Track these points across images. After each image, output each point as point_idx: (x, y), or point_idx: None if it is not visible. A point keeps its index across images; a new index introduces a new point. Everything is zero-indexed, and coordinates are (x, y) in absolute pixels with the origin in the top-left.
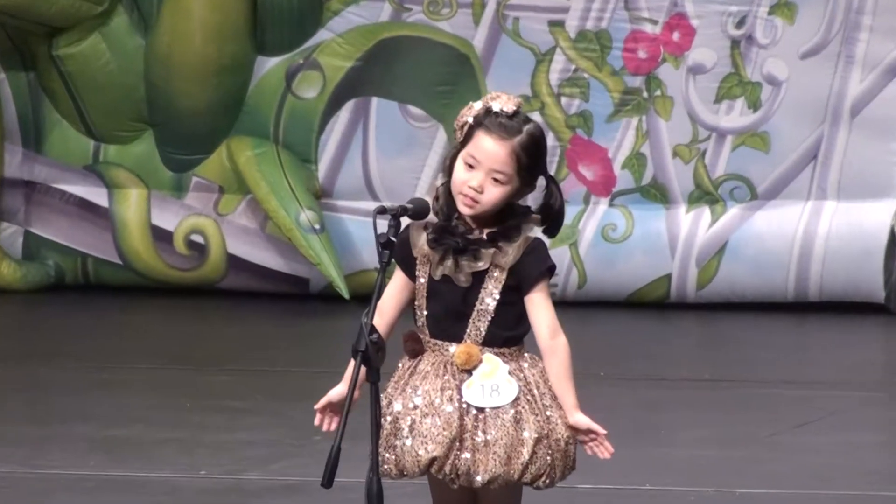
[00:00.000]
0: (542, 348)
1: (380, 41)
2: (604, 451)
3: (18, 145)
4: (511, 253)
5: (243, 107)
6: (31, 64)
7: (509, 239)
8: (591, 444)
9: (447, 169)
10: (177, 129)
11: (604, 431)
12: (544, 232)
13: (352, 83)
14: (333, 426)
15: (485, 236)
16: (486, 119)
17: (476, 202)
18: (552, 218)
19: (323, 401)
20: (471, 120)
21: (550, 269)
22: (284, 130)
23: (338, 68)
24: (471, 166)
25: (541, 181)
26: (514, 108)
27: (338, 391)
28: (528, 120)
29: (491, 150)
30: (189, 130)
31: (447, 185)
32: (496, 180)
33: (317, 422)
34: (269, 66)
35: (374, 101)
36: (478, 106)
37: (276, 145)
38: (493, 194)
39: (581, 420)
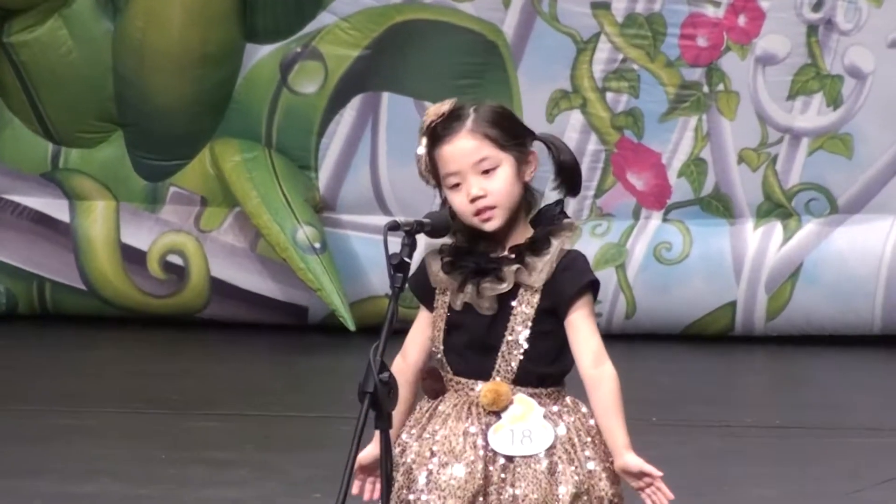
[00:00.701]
0: (585, 379)
1: (392, 26)
2: (661, 498)
3: None
4: (541, 269)
5: (230, 104)
6: None
7: (538, 252)
8: (646, 490)
9: (452, 218)
10: (151, 131)
11: (659, 474)
12: (567, 194)
13: (358, 76)
14: (368, 494)
15: (508, 252)
16: (435, 137)
17: (491, 208)
18: (569, 173)
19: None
20: (426, 157)
21: (593, 285)
22: (278, 132)
23: (342, 58)
24: (458, 185)
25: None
26: (448, 107)
27: (367, 453)
28: (473, 104)
29: (455, 150)
30: (166, 132)
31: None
32: (486, 171)
33: (356, 490)
34: (260, 55)
35: (385, 96)
36: (422, 147)
37: (269, 149)
38: (498, 183)
39: (633, 461)
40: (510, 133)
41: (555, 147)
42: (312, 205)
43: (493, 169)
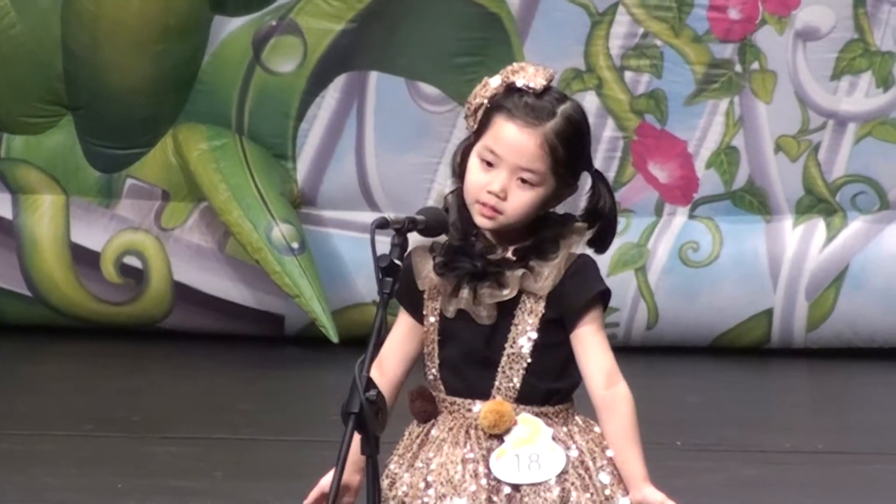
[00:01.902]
0: (597, 401)
1: None
2: None
3: None
4: (547, 275)
5: (195, 84)
6: None
7: (544, 256)
8: None
9: (458, 169)
10: (106, 114)
11: None
12: (590, 246)
13: (342, 53)
14: None
15: (511, 254)
16: (508, 100)
17: (498, 212)
18: (601, 227)
19: (313, 493)
20: (487, 101)
21: (603, 295)
22: (251, 116)
23: (323, 32)
24: (489, 164)
25: (584, 179)
26: (545, 82)
27: (331, 479)
28: (563, 98)
29: (515, 141)
30: (122, 116)
31: (460, 191)
32: (524, 181)
33: None
34: (230, 28)
35: (373, 76)
36: (495, 82)
37: (240, 136)
38: (522, 200)
39: (652, 496)
40: (572, 160)
41: (599, 190)
42: (290, 199)
43: (531, 185)
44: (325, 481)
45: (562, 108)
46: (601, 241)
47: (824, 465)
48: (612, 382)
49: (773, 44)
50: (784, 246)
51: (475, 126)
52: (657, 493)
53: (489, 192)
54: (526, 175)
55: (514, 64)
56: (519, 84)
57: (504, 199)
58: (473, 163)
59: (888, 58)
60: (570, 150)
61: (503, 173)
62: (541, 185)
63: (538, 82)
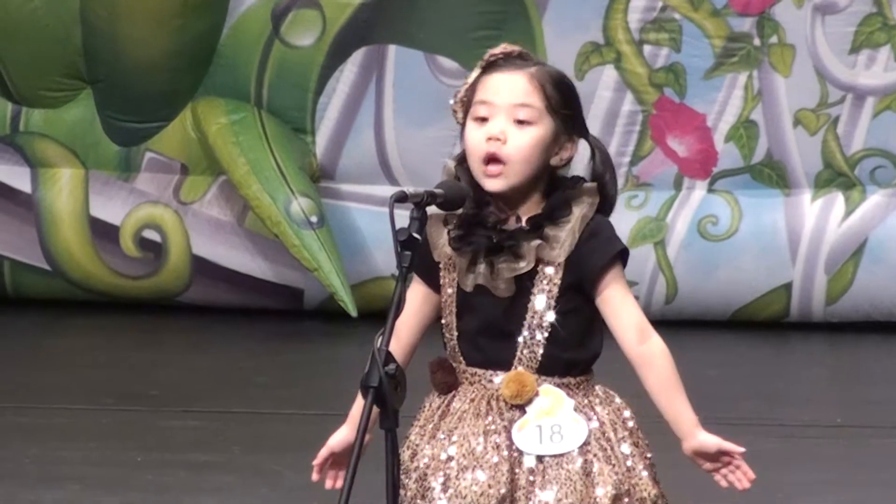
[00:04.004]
0: (633, 358)
1: None
2: (741, 478)
3: None
4: (563, 241)
5: (215, 58)
6: None
7: (557, 222)
8: (723, 471)
9: (462, 156)
10: (125, 88)
11: (741, 450)
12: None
13: (361, 26)
14: (340, 483)
15: (525, 223)
16: (489, 67)
17: (502, 162)
18: (603, 192)
19: (323, 452)
20: (471, 80)
21: (622, 254)
22: (270, 90)
23: (342, 6)
24: (483, 119)
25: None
26: (519, 50)
27: (341, 437)
28: (545, 63)
29: (504, 82)
30: (141, 90)
31: (465, 168)
32: (521, 122)
33: (315, 476)
34: (249, 2)
35: (392, 50)
36: (474, 73)
37: (259, 110)
38: (522, 141)
39: (710, 440)
40: (566, 103)
41: (599, 157)
42: (308, 173)
43: (529, 124)
44: (334, 441)
45: (542, 64)
46: (604, 206)
47: (843, 438)
48: (646, 337)
49: (791, 17)
50: (803, 220)
51: (461, 117)
52: (712, 437)
53: (490, 138)
54: (522, 113)
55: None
56: (494, 52)
57: (504, 141)
58: (468, 129)
59: None
60: (559, 92)
61: (499, 117)
62: (538, 123)
63: (514, 49)
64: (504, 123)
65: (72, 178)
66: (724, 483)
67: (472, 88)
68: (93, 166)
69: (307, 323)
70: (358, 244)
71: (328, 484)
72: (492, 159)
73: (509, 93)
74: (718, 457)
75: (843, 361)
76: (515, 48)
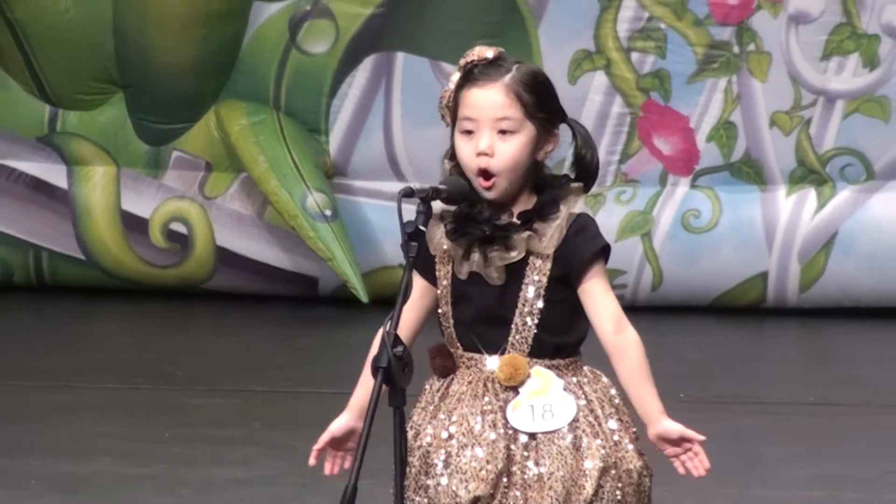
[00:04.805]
0: (608, 347)
1: None
2: (698, 465)
3: None
4: (551, 235)
5: (236, 64)
6: None
7: (546, 218)
8: (682, 457)
9: (451, 153)
10: (153, 92)
11: (701, 438)
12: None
13: (371, 35)
14: (337, 468)
15: (516, 219)
16: (467, 78)
17: (493, 174)
18: (586, 170)
19: (324, 436)
20: (451, 86)
21: (605, 251)
22: (287, 93)
23: (354, 16)
24: (469, 132)
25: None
26: (493, 53)
27: (342, 423)
28: (517, 61)
29: (481, 99)
30: (169, 93)
31: (457, 166)
32: (504, 132)
33: (312, 461)
34: (268, 13)
35: (400, 56)
36: (455, 76)
37: (277, 112)
38: (508, 150)
39: (672, 426)
40: (542, 104)
41: (580, 137)
42: (323, 170)
43: (511, 133)
44: (335, 426)
45: (516, 66)
46: (588, 181)
47: (816, 415)
48: (621, 328)
49: (767, 27)
50: (778, 214)
51: (450, 120)
52: (674, 424)
53: (479, 154)
54: (503, 124)
55: (467, 52)
56: (470, 59)
57: (492, 154)
58: (458, 141)
59: (874, 40)
60: (534, 94)
61: (484, 131)
62: (520, 131)
63: (488, 53)
64: (489, 137)
65: (105, 175)
66: (681, 469)
67: (456, 102)
68: (124, 164)
69: (321, 308)
70: (368, 236)
71: (327, 468)
72: (483, 173)
73: (489, 108)
74: (680, 443)
75: (815, 344)
76: (490, 51)
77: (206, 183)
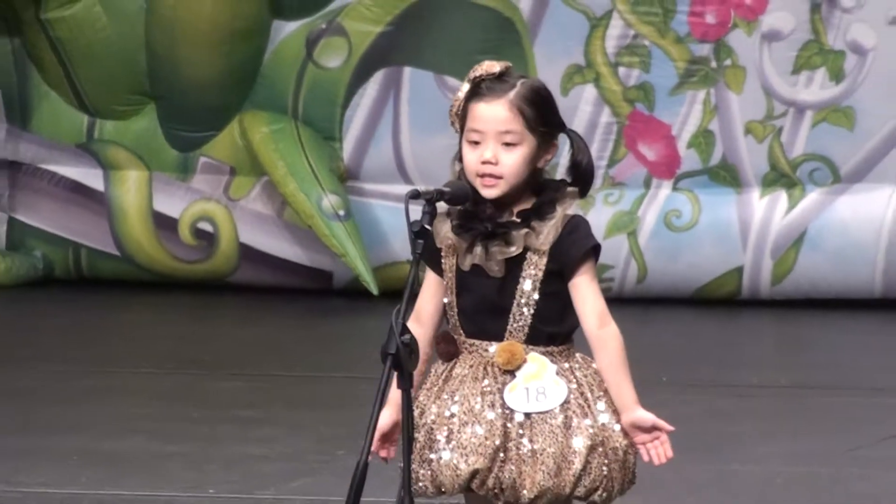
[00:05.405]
0: (591, 340)
1: (413, 3)
2: (661, 454)
3: (2, 121)
4: (547, 232)
5: (258, 77)
6: (16, 29)
7: (543, 217)
8: (648, 445)
9: (461, 155)
10: (182, 103)
11: (670, 428)
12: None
13: (381, 51)
14: (393, 454)
15: (515, 217)
16: (475, 91)
17: (496, 177)
18: (582, 176)
19: (376, 436)
20: (461, 102)
21: (595, 249)
22: (304, 104)
23: (365, 34)
24: (476, 143)
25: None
26: (500, 68)
27: (386, 420)
28: (522, 76)
29: (488, 113)
30: (196, 104)
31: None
32: (508, 144)
33: (381, 456)
34: (287, 31)
35: (407, 70)
36: (465, 88)
37: (295, 121)
38: (512, 160)
39: (644, 415)
40: (543, 118)
41: (577, 146)
42: (337, 174)
43: (514, 145)
44: (381, 423)
45: (521, 81)
46: (583, 187)
47: (786, 397)
48: (604, 323)
49: (742, 44)
50: (752, 214)
51: (458, 127)
52: (647, 413)
53: (484, 162)
54: (507, 137)
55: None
56: (478, 73)
57: (496, 163)
58: (465, 149)
59: (839, 56)
60: (536, 109)
61: (489, 143)
62: (523, 143)
63: (494, 69)
64: (494, 148)
65: (138, 179)
66: (646, 456)
67: (464, 110)
68: (156, 169)
69: (336, 300)
70: (379, 234)
71: (382, 454)
72: (486, 176)
73: (494, 122)
74: (651, 430)
75: (786, 333)
76: (497, 66)
77: (230, 186)
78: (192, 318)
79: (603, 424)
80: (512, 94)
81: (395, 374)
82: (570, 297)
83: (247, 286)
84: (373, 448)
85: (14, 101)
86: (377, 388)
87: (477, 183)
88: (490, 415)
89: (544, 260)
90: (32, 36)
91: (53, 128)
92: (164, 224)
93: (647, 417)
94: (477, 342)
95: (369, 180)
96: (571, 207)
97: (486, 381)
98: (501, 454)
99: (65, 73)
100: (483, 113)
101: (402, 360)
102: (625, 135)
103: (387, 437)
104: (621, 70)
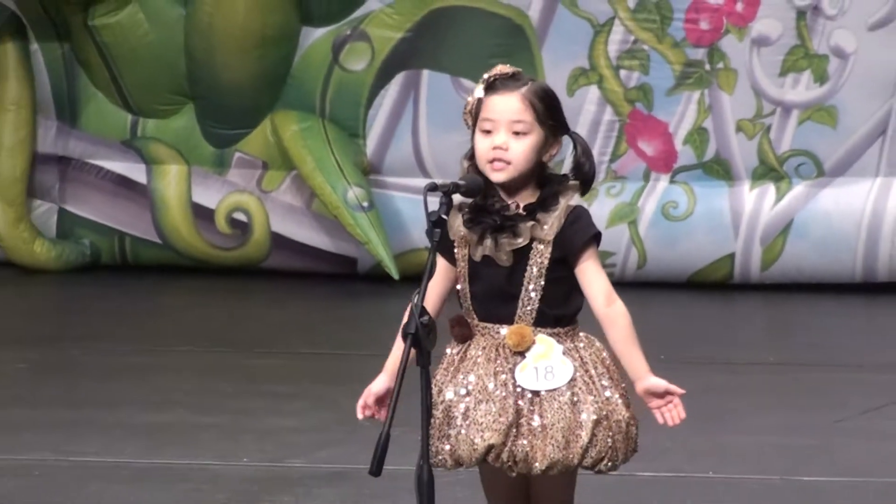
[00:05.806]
0: (600, 318)
1: (431, 11)
2: (675, 416)
3: (52, 119)
4: (551, 224)
5: (288, 80)
6: (65, 35)
7: (547, 209)
8: (663, 408)
9: (471, 153)
10: (218, 103)
11: (682, 391)
12: (577, 181)
13: (401, 55)
14: (382, 416)
15: (521, 210)
16: (489, 88)
17: (506, 162)
18: (584, 175)
19: (365, 394)
20: (479, 94)
21: (596, 237)
22: (331, 104)
23: (387, 39)
24: (488, 131)
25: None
26: (512, 71)
27: (380, 384)
28: (532, 79)
29: (502, 103)
30: (231, 104)
31: (475, 164)
32: (518, 133)
33: (360, 415)
34: (314, 37)
35: (425, 73)
36: (479, 90)
37: (323, 119)
38: (521, 148)
39: (657, 382)
40: (550, 114)
41: (580, 147)
42: (361, 168)
43: (524, 134)
44: (374, 386)
45: (531, 81)
46: (585, 186)
47: (775, 373)
48: (611, 301)
49: (734, 48)
50: (743, 204)
51: (471, 123)
52: (660, 380)
53: (495, 147)
54: (518, 126)
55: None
56: (492, 74)
57: (507, 149)
58: (477, 138)
59: (823, 59)
60: (545, 105)
61: (501, 130)
62: (532, 133)
63: (508, 70)
64: (505, 136)
65: (178, 173)
66: (660, 419)
67: (478, 106)
68: (194, 163)
69: (360, 284)
70: (399, 223)
71: (368, 413)
72: (496, 160)
73: (507, 111)
74: (664, 395)
75: (774, 314)
76: (509, 69)
77: (262, 179)
78: (227, 301)
79: (607, 399)
80: (524, 89)
81: (415, 351)
82: (574, 283)
83: (277, 271)
84: (360, 410)
85: (64, 101)
86: (396, 371)
87: (487, 168)
88: (502, 393)
89: (549, 249)
90: (81, 41)
91: (100, 125)
92: (202, 214)
93: (660, 383)
94: (489, 325)
95: (390, 174)
96: (573, 199)
97: (498, 362)
98: (514, 430)
99: (110, 75)
100: (496, 104)
101: (420, 339)
102: (626, 132)
103: (375, 401)
104: (622, 72)
